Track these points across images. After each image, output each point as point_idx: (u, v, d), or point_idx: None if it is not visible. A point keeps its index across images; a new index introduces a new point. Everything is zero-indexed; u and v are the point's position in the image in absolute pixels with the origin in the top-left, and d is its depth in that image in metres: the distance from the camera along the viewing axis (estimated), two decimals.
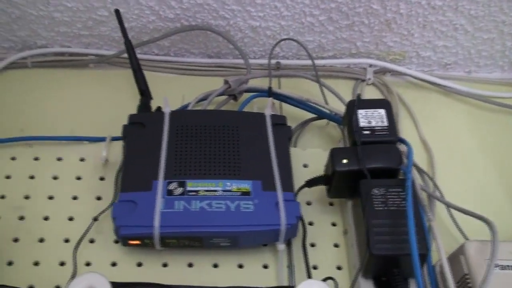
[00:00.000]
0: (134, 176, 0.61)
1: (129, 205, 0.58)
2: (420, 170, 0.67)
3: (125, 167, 0.62)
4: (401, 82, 0.84)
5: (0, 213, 0.63)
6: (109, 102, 0.77)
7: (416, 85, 0.84)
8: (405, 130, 0.77)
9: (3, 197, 0.64)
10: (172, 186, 0.59)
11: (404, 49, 0.82)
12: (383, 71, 0.84)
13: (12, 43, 0.81)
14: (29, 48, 0.81)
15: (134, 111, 0.69)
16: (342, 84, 0.82)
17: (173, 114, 0.66)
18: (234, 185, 0.60)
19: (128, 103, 0.72)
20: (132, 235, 0.57)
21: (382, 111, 0.63)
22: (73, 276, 0.56)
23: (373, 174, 0.58)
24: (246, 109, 0.72)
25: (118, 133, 0.65)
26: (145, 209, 0.57)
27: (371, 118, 0.62)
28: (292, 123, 0.71)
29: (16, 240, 0.61)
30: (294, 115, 0.75)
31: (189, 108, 0.71)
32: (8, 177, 0.66)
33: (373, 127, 0.62)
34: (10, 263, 0.59)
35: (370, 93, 0.82)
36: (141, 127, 0.65)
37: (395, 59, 0.83)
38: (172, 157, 0.62)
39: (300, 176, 0.64)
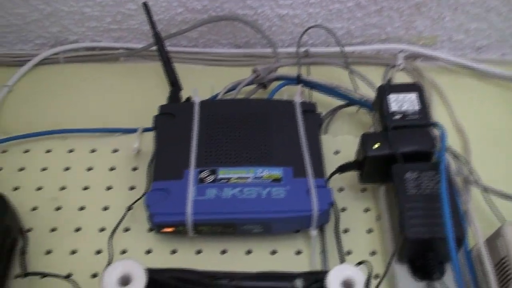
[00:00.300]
0: (166, 165, 0.61)
1: (162, 193, 0.59)
2: (454, 155, 0.66)
3: (157, 156, 0.62)
4: (433, 67, 0.82)
5: (38, 204, 0.64)
6: (140, 94, 0.78)
7: (448, 69, 0.82)
8: (439, 115, 0.75)
9: (40, 188, 0.66)
10: (203, 174, 0.60)
11: (435, 33, 0.80)
12: (414, 56, 0.82)
13: (45, 39, 0.82)
14: (61, 44, 0.83)
15: (164, 102, 0.69)
16: (372, 70, 0.81)
17: (203, 103, 0.67)
18: (265, 172, 0.60)
19: (158, 95, 0.73)
20: (165, 222, 0.58)
21: (413, 95, 0.62)
22: (109, 263, 0.57)
23: (406, 158, 0.57)
24: (275, 98, 0.72)
25: (150, 124, 0.66)
26: (178, 197, 0.58)
27: (402, 103, 0.61)
28: (322, 111, 0.70)
29: (53, 230, 0.62)
30: (324, 102, 0.74)
31: (219, 98, 0.71)
32: (44, 169, 0.68)
33: (405, 111, 0.61)
34: (48, 252, 0.61)
35: (401, 79, 0.80)
36: (172, 117, 0.65)
37: (426, 43, 0.82)
38: (203, 145, 0.62)
39: (331, 163, 0.64)
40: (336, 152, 0.69)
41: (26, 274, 0.57)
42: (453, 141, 0.71)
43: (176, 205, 0.57)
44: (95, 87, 0.79)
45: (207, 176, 0.60)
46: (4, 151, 0.69)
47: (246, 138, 0.63)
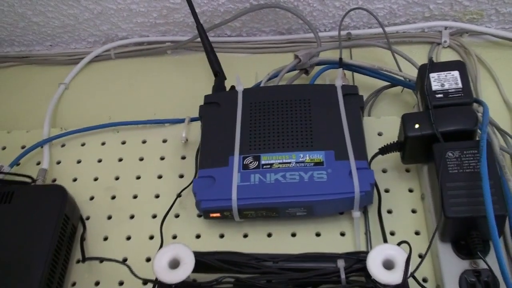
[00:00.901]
0: (211, 153, 0.64)
1: (208, 180, 0.61)
2: (502, 132, 0.65)
3: (203, 145, 0.65)
4: (480, 42, 0.80)
5: (95, 193, 0.68)
6: (187, 85, 0.81)
7: (496, 44, 0.80)
8: (486, 91, 0.74)
9: (96, 179, 0.70)
10: (247, 160, 0.62)
11: (482, 8, 0.78)
12: (460, 32, 0.81)
13: (96, 37, 0.87)
14: (112, 41, 0.87)
15: (211, 92, 0.72)
16: (417, 49, 0.80)
17: (246, 91, 0.68)
18: (307, 156, 0.61)
19: (206, 85, 0.76)
20: (211, 208, 0.60)
21: (455, 73, 0.61)
22: (161, 247, 0.60)
23: (449, 137, 0.57)
24: (317, 82, 0.73)
25: (197, 114, 0.69)
26: (223, 184, 0.60)
27: (444, 81, 0.61)
28: (365, 93, 0.71)
29: (109, 217, 0.66)
30: (367, 84, 0.74)
31: (261, 85, 0.73)
32: (99, 160, 0.72)
33: (447, 90, 0.60)
34: (105, 238, 0.65)
35: (447, 56, 0.79)
36: (216, 106, 0.68)
37: (472, 18, 0.80)
38: (247, 132, 0.64)
39: (375, 145, 0.64)
40: (380, 134, 0.69)
41: (85, 259, 0.61)
42: (501, 118, 0.69)
43: (221, 191, 0.60)
44: (145, 80, 0.83)
45: (250, 163, 0.61)
46: (62, 145, 0.74)
47: (288, 124, 0.64)
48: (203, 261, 0.54)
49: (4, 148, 0.75)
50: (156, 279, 0.54)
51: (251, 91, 0.69)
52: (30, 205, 0.61)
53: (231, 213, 0.60)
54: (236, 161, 0.62)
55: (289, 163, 0.61)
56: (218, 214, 0.61)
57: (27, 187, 0.66)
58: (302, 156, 0.61)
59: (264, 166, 0.61)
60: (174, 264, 0.53)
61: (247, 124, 0.65)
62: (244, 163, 0.62)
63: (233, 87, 0.72)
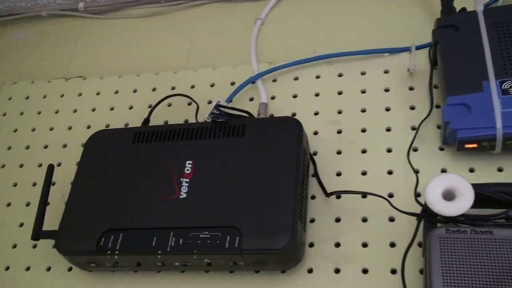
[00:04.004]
0: (459, 79, 0.57)
1: (462, 108, 0.56)
2: None
3: (446, 71, 0.59)
4: None
5: (318, 128, 0.65)
6: (395, 12, 0.74)
7: None
8: None
9: (316, 113, 0.66)
10: (506, 85, 0.55)
11: None
12: None
13: None
14: None
15: (418, 19, 0.65)
16: None
17: (487, 11, 0.61)
18: None
19: (413, 11, 0.69)
20: (471, 137, 0.54)
21: None
22: (417, 181, 0.55)
23: None
24: None
25: (413, 42, 0.63)
26: (482, 111, 0.54)
27: None
28: None
29: (339, 152, 0.63)
30: None
31: (499, 3, 0.65)
32: (317, 94, 0.68)
33: None
34: (338, 174, 0.61)
35: None
36: (454, 29, 0.61)
37: None
38: (498, 55, 0.57)
39: None
40: None
41: (329, 194, 0.58)
42: None
43: (482, 119, 0.54)
44: (347, 10, 0.76)
45: (511, 87, 0.55)
46: (274, 80, 0.71)
47: None
48: (480, 193, 0.49)
49: (212, 85, 0.73)
50: (422, 212, 0.50)
51: (494, 10, 0.61)
52: (265, 138, 0.59)
53: (491, 143, 0.54)
54: (493, 86, 0.55)
55: None
56: (475, 145, 0.55)
57: (257, 120, 0.63)
58: None
59: None
60: (448, 195, 0.49)
61: (496, 46, 0.58)
62: (503, 87, 0.55)
63: (463, 9, 0.64)
